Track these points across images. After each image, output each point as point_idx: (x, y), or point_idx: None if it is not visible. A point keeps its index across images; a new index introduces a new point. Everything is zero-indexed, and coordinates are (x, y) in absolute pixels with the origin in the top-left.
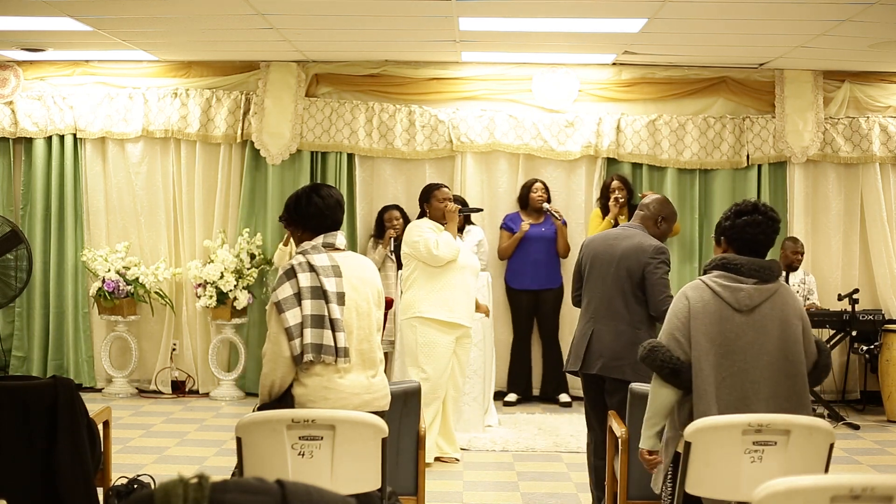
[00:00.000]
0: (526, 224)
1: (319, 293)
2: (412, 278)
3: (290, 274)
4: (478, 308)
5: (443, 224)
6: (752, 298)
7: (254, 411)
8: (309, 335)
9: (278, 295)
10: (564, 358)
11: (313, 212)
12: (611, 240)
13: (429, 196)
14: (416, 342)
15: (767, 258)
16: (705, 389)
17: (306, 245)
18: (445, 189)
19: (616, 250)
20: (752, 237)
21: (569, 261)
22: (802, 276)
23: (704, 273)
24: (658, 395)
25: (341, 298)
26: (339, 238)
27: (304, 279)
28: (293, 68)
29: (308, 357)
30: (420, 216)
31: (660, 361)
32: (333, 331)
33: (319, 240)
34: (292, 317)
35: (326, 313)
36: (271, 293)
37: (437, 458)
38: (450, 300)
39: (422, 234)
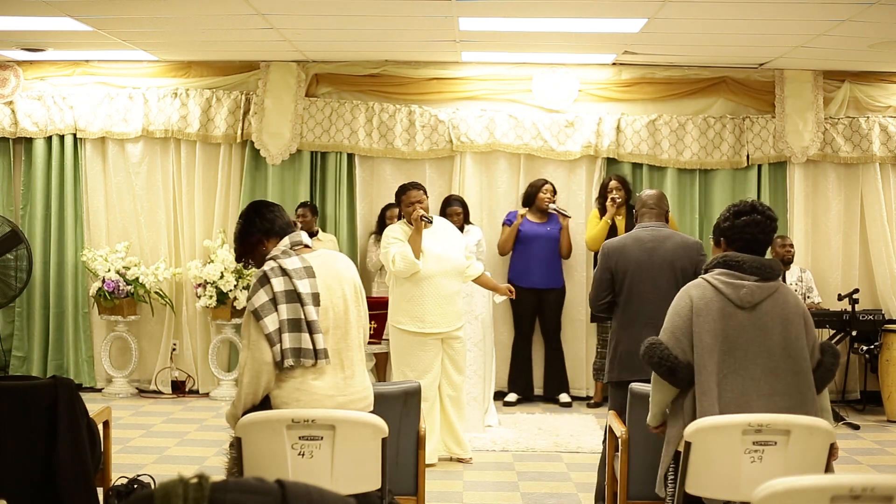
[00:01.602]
0: (523, 211)
1: (294, 296)
2: (391, 284)
3: (264, 280)
4: (496, 290)
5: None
6: (753, 295)
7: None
8: (287, 340)
9: (254, 303)
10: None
11: (270, 217)
12: (647, 243)
13: (399, 198)
14: (395, 345)
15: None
16: (709, 386)
17: (276, 251)
18: (414, 191)
19: (662, 252)
20: (752, 237)
21: (572, 261)
22: (799, 274)
23: (706, 272)
24: (657, 390)
25: (316, 299)
26: (304, 235)
27: (278, 284)
28: (293, 68)
29: (288, 362)
30: (399, 218)
31: (657, 359)
32: (311, 333)
33: (286, 242)
34: (271, 322)
35: (303, 316)
36: (246, 302)
37: (450, 459)
38: (419, 311)
39: (387, 245)
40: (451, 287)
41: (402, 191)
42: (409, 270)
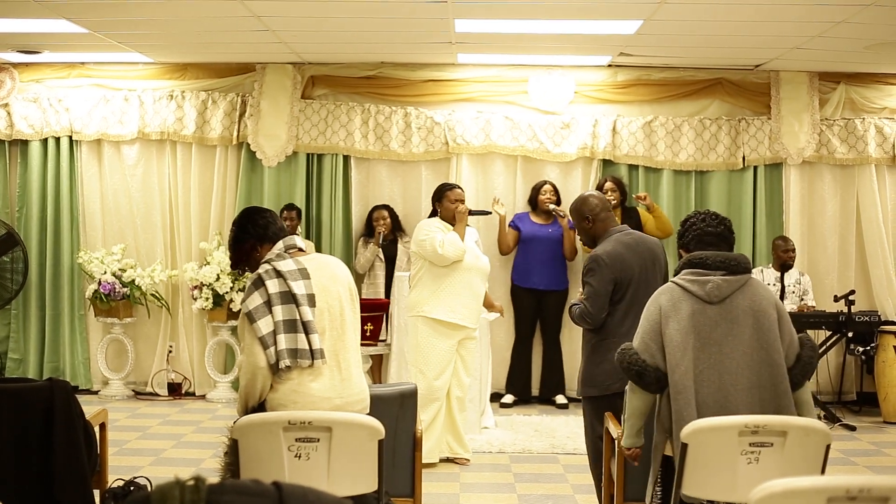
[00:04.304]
0: (500, 207)
1: (289, 297)
2: (418, 277)
3: (258, 283)
4: (492, 307)
5: (453, 225)
6: (720, 289)
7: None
8: (283, 341)
9: (248, 305)
10: (565, 363)
11: (263, 223)
12: (635, 247)
13: (441, 196)
14: (418, 342)
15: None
16: (684, 385)
17: (270, 254)
18: (459, 190)
19: (650, 256)
20: (701, 231)
21: (576, 263)
22: (797, 277)
23: (675, 274)
24: (631, 397)
25: (311, 300)
26: (298, 239)
27: (273, 285)
28: (289, 70)
29: (284, 363)
30: (431, 215)
31: (626, 363)
32: (307, 333)
33: (280, 246)
34: (265, 325)
35: (298, 317)
36: (241, 305)
37: (450, 459)
38: (453, 301)
39: (429, 233)
40: (481, 287)
41: (448, 188)
42: (456, 255)
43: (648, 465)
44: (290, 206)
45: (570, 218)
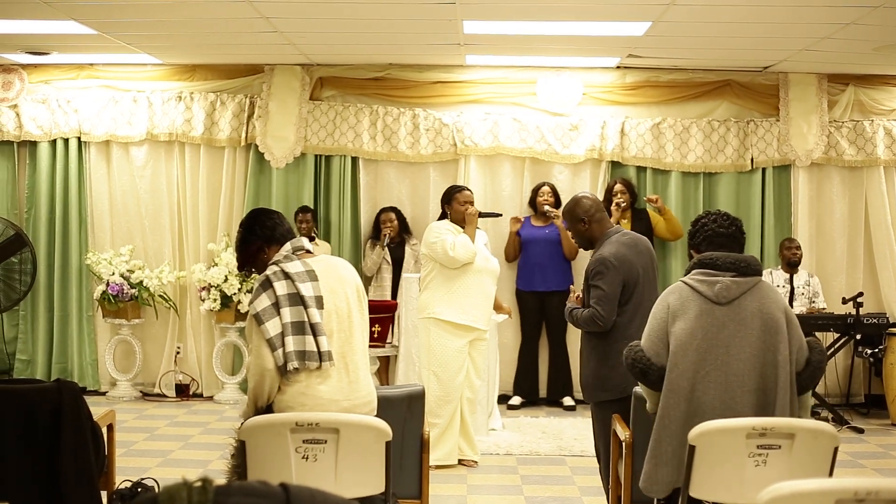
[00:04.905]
0: (515, 222)
1: (297, 299)
2: (429, 279)
3: (266, 284)
4: (500, 309)
5: (463, 227)
6: (729, 290)
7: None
8: (291, 343)
9: (256, 307)
10: (572, 363)
11: (270, 224)
12: (636, 247)
13: (450, 198)
14: (430, 344)
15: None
16: (679, 384)
17: (278, 256)
18: (468, 192)
19: (649, 255)
20: (713, 231)
21: (579, 263)
22: (807, 278)
23: (685, 274)
24: (645, 394)
25: (319, 302)
26: (305, 241)
27: (281, 287)
28: (297, 71)
29: (292, 365)
30: (441, 218)
31: (631, 360)
32: (315, 335)
33: (288, 247)
34: (272, 327)
35: (306, 319)
36: (248, 306)
37: (458, 461)
38: (464, 303)
39: (439, 235)
40: (491, 288)
41: (457, 190)
42: (468, 258)
43: None
44: (305, 209)
45: (564, 221)
